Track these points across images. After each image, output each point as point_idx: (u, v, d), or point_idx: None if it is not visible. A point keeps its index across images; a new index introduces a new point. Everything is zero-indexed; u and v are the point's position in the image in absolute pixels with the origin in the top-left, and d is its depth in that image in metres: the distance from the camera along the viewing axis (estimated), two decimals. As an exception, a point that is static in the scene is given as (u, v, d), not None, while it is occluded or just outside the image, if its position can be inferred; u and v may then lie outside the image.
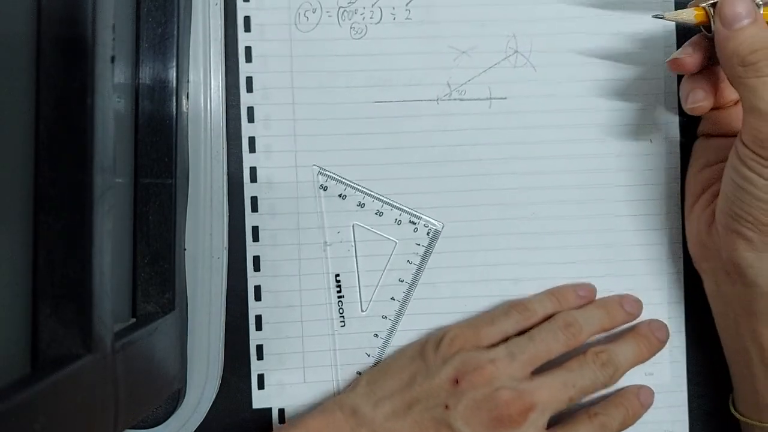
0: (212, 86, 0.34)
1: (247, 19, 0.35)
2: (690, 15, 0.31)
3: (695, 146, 0.35)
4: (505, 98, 0.36)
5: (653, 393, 0.36)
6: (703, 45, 0.31)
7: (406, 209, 0.36)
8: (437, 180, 0.36)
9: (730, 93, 0.32)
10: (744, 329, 0.32)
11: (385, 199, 0.36)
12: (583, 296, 0.36)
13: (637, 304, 0.36)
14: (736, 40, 0.28)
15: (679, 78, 0.36)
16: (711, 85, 0.32)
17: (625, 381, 0.35)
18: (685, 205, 0.35)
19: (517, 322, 0.34)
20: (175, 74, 0.31)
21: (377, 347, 0.36)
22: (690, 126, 0.36)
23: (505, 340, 0.34)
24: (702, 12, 0.31)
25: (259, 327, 0.36)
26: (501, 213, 0.36)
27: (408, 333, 0.36)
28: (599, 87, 0.36)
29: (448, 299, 0.36)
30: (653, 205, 0.37)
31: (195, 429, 0.35)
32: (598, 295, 0.36)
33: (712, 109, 0.33)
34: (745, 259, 0.30)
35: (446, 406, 0.31)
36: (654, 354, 0.35)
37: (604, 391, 0.34)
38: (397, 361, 0.34)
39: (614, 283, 0.37)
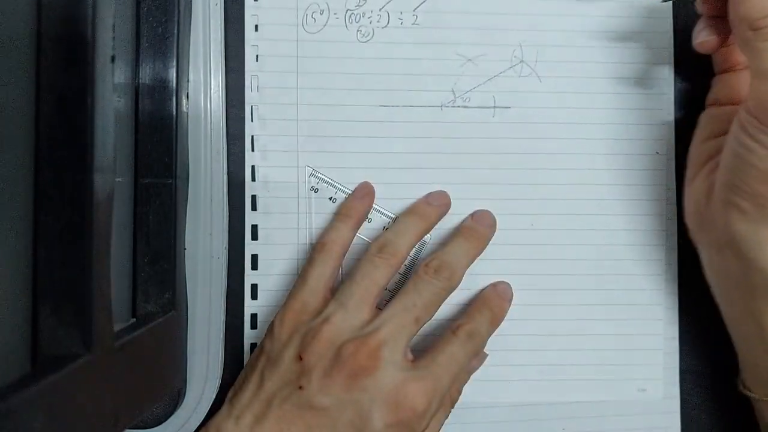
0: (212, 86, 0.34)
1: (254, 19, 0.35)
2: None
3: (701, 117, 0.34)
4: (509, 108, 0.36)
5: (509, 284, 0.35)
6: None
7: (396, 216, 0.36)
8: (436, 187, 0.36)
9: (741, 54, 0.32)
10: (740, 304, 0.31)
11: (374, 206, 0.36)
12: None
13: (442, 195, 0.35)
14: (747, 3, 0.27)
15: (686, 93, 0.36)
16: (724, 29, 0.31)
17: (616, 396, 0.36)
18: (687, 175, 0.34)
19: (326, 265, 0.33)
20: (175, 74, 0.31)
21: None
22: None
23: (331, 289, 0.33)
24: None
25: (254, 326, 0.36)
26: (499, 223, 0.36)
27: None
28: (604, 100, 0.36)
29: (443, 306, 0.35)
30: (652, 221, 0.36)
31: (195, 429, 0.35)
32: (603, 305, 0.36)
33: (723, 72, 0.32)
34: (738, 232, 0.29)
35: (300, 387, 0.30)
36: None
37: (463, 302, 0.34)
38: (246, 368, 0.33)
39: (613, 299, 0.36)
